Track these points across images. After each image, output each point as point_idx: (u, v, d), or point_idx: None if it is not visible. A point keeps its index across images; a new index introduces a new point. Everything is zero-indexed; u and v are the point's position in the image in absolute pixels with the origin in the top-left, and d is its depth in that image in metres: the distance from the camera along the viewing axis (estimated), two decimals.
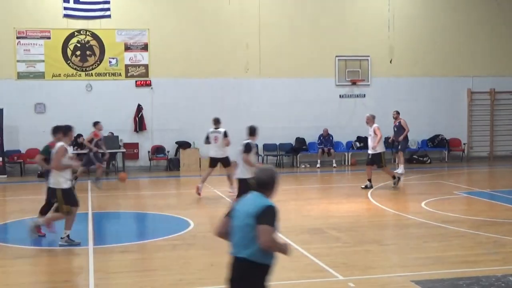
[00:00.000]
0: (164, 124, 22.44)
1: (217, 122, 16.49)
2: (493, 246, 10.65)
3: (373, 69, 23.82)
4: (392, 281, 8.82)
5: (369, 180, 17.20)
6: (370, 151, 17.31)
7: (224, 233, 5.60)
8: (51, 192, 10.81)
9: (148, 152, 22.38)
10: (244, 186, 11.91)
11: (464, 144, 24.67)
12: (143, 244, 11.27)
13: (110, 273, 9.25)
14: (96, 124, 18.18)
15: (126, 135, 22.16)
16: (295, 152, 23.09)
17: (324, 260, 9.88)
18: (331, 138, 23.29)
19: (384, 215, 13.71)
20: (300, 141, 23.32)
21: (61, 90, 21.85)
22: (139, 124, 22.22)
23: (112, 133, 21.56)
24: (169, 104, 22.42)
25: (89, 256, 10.10)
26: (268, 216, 5.28)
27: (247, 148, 12.46)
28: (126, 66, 22.23)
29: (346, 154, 23.68)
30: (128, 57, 22.26)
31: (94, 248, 10.57)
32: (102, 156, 18.29)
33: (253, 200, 5.42)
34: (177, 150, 22.49)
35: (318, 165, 22.56)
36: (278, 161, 23.14)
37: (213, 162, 16.41)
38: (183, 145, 22.35)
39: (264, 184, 5.50)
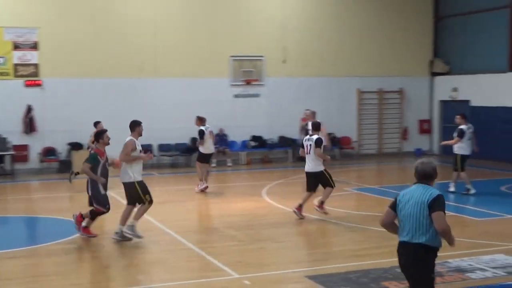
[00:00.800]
0: (56, 125, 21.75)
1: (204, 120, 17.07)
2: (381, 239, 11.09)
3: (267, 69, 24.16)
4: (286, 277, 9.02)
5: None
6: None
7: (389, 223, 6.23)
8: (128, 186, 11.01)
9: (39, 154, 21.66)
10: (313, 180, 12.81)
11: (355, 142, 25.49)
12: (34, 249, 10.94)
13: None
14: (98, 123, 17.34)
15: (15, 137, 21.31)
16: (190, 152, 23.05)
17: (220, 258, 9.96)
18: (226, 137, 23.44)
19: (279, 213, 13.95)
20: (195, 141, 23.27)
21: None
22: (29, 125, 21.47)
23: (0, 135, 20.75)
24: (60, 104, 21.77)
25: None
26: (440, 203, 5.94)
27: (319, 143, 12.72)
28: (15, 65, 21.41)
29: (241, 153, 23.90)
30: (17, 56, 21.44)
31: None
32: None
33: (423, 191, 6.03)
34: (69, 152, 21.89)
35: (213, 164, 22.65)
36: (173, 161, 23.03)
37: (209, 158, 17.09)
38: (75, 146, 21.78)
39: (428, 175, 6.14)
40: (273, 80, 24.17)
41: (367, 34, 25.44)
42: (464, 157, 15.85)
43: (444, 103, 26.32)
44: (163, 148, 22.98)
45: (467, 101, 24.73)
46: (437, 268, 9.02)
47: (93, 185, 11.19)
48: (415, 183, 6.17)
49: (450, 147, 16.72)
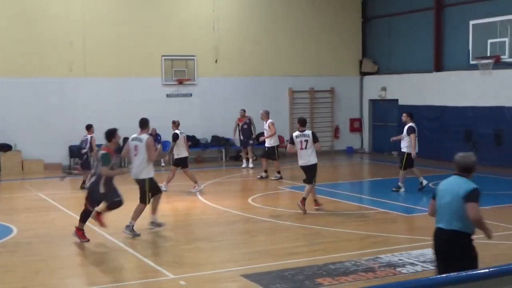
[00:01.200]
0: None
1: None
2: (315, 237, 11.27)
3: (199, 69, 24.12)
4: (222, 276, 9.06)
5: (265, 171, 18.73)
6: (266, 144, 18.92)
7: (436, 212, 6.76)
8: (141, 182, 11.36)
9: None
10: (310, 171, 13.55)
11: (287, 141, 25.67)
12: None
13: None
14: (90, 127, 17.63)
15: None
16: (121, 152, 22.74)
17: (155, 259, 9.92)
18: (159, 137, 23.25)
19: (213, 213, 13.97)
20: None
21: None
22: None
23: None
24: None
25: None
26: (474, 195, 6.44)
27: (317, 137, 13.70)
28: None
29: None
30: None
31: None
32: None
33: (461, 183, 6.56)
34: None
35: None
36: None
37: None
38: (3, 147, 21.18)
39: (468, 168, 6.63)
40: (206, 79, 24.15)
41: (299, 34, 25.73)
42: (410, 155, 15.85)
43: (373, 102, 26.91)
44: None
45: (395, 100, 25.36)
46: (369, 264, 9.28)
47: (107, 182, 10.88)
48: (454, 174, 6.71)
49: (397, 145, 16.96)
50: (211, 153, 24.37)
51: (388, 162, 22.76)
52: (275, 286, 8.36)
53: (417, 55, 24.58)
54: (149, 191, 11.44)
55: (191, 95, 24.12)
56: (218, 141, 24.24)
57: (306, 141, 13.43)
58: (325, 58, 26.32)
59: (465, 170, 6.65)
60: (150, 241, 11.14)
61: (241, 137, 21.83)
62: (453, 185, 6.61)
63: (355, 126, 27.09)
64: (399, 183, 16.06)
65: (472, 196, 6.44)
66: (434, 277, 3.88)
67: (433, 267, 9.11)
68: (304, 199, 13.33)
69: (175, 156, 16.70)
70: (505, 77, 20.32)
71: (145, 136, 11.63)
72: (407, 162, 15.84)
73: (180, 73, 23.79)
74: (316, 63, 26.13)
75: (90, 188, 11.14)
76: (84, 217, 11.12)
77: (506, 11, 18.77)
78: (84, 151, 17.41)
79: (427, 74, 23.86)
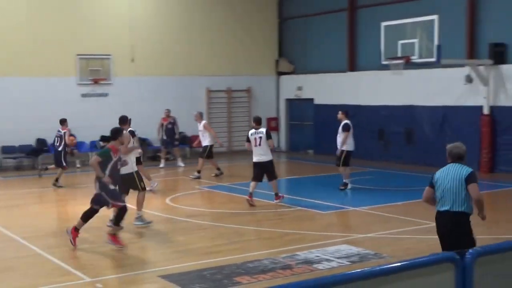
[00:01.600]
0: None
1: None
2: (233, 236, 11.34)
3: (115, 68, 23.76)
4: (139, 278, 8.99)
5: (199, 172, 18.84)
6: (203, 144, 19.11)
7: (430, 198, 7.60)
8: (128, 177, 11.69)
9: None
10: (262, 169, 14.31)
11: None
12: None
13: None
14: (64, 121, 17.86)
15: None
16: (35, 154, 22.15)
17: (70, 262, 9.73)
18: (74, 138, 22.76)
19: (130, 214, 13.76)
20: (41, 142, 22.42)
21: None
22: None
23: None
24: None
25: None
26: (474, 177, 7.33)
27: (270, 134, 14.45)
28: None
29: (90, 153, 23.30)
30: None
31: None
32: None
33: (459, 168, 7.38)
34: None
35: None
36: (18, 164, 22.03)
37: None
38: None
39: (462, 156, 7.48)
40: (122, 79, 23.82)
41: (216, 34, 25.77)
42: (349, 153, 16.00)
43: (290, 101, 27.28)
44: (7, 150, 21.93)
45: (311, 100, 25.80)
46: (287, 261, 9.43)
47: (101, 183, 10.40)
48: (449, 163, 7.49)
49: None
50: None
51: (303, 161, 23.15)
52: (194, 286, 8.37)
53: (332, 55, 25.09)
54: (139, 180, 12.14)
55: (107, 95, 23.73)
56: (164, 141, 23.90)
57: (260, 137, 14.14)
58: (242, 57, 26.48)
59: (459, 158, 7.48)
60: (65, 244, 10.89)
61: (164, 137, 21.75)
62: (451, 172, 7.40)
63: (272, 125, 27.36)
64: (345, 180, 16.08)
65: (472, 178, 7.31)
66: (348, 272, 4.00)
67: (348, 263, 9.37)
68: (276, 194, 14.30)
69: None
70: (415, 77, 21.05)
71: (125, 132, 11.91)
72: (345, 159, 15.94)
73: (95, 73, 23.37)
74: (233, 62, 26.25)
75: (100, 187, 10.58)
76: (87, 217, 10.70)
77: (415, 13, 19.44)
78: (60, 148, 17.38)
79: (342, 74, 24.39)
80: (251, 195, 14.05)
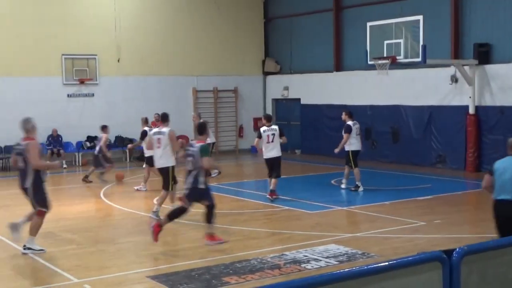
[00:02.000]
0: None
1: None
2: (222, 236, 11.33)
3: (101, 68, 23.69)
4: (127, 278, 8.97)
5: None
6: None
7: (490, 186, 8.10)
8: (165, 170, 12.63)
9: None
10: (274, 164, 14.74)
11: (192, 140, 25.59)
12: None
13: None
14: (105, 127, 18.38)
15: None
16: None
17: (57, 264, 9.69)
18: (60, 138, 22.67)
19: (117, 214, 13.80)
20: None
21: None
22: None
23: None
24: None
25: None
26: None
27: (282, 132, 15.03)
28: None
29: (77, 154, 23.25)
30: None
31: None
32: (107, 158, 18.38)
33: None
34: None
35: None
36: (3, 164, 21.90)
37: None
38: None
39: None
40: (108, 79, 23.77)
41: (202, 34, 25.77)
42: (354, 153, 15.86)
43: (276, 101, 27.32)
44: None
45: (297, 99, 25.85)
46: (275, 261, 9.45)
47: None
48: (509, 155, 8.02)
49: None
50: (114, 154, 23.88)
51: (291, 160, 23.17)
52: (182, 287, 8.37)
53: (318, 55, 25.15)
54: (172, 178, 12.82)
55: (93, 95, 23.66)
56: (122, 142, 23.90)
57: (273, 134, 14.53)
58: (228, 57, 26.48)
59: None
60: (51, 245, 10.85)
61: None
62: (511, 163, 8.01)
63: (259, 125, 27.31)
64: (357, 182, 15.87)
65: None
66: (336, 272, 4.02)
67: (336, 262, 9.41)
68: (272, 191, 14.48)
69: (146, 155, 16.49)
70: (401, 77, 21.16)
71: (167, 130, 12.85)
72: (354, 159, 15.80)
73: (81, 73, 23.29)
74: (220, 62, 26.25)
75: (192, 184, 10.35)
76: (176, 214, 10.60)
77: (401, 13, 19.56)
78: (96, 151, 18.21)
79: (328, 74, 24.46)
80: (272, 192, 14.52)
